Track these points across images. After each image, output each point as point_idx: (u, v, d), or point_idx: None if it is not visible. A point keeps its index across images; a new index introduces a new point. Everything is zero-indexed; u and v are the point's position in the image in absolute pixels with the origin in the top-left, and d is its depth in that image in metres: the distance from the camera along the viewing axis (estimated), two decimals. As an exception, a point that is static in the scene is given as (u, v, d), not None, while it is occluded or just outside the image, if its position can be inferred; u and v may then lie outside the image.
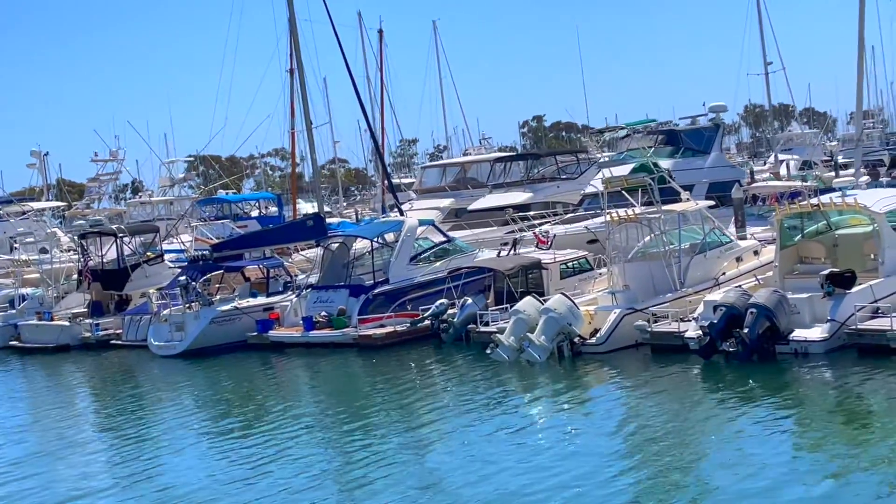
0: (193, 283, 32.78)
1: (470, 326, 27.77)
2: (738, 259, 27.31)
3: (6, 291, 41.54)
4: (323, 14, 38.03)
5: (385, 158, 68.70)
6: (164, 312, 32.70)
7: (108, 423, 24.77)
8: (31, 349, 36.43)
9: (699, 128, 44.63)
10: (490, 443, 18.34)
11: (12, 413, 27.32)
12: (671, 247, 26.18)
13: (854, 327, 21.14)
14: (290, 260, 39.10)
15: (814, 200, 24.20)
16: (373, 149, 72.44)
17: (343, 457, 18.86)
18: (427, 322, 29.16)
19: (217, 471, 18.57)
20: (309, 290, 32.25)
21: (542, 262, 30.06)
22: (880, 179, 32.41)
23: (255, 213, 61.18)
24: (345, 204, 75.57)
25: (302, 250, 40.83)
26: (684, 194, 28.09)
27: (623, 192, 27.62)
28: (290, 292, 33.37)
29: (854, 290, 21.79)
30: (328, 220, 39.12)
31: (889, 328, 20.62)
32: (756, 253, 28.02)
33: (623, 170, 28.80)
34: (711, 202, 29.83)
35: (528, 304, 25.34)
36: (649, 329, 23.91)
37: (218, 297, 33.66)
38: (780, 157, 63.16)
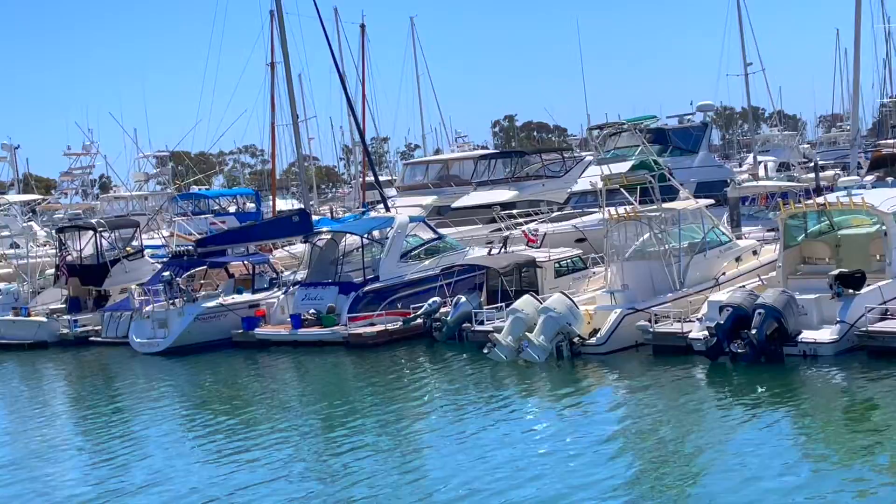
0: (177, 279, 31.99)
1: (465, 325, 27.16)
2: (738, 259, 26.92)
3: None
4: (299, 8, 37.46)
5: (362, 156, 68.32)
6: (147, 309, 31.87)
7: (89, 422, 23.80)
8: (7, 345, 35.39)
9: (687, 127, 44.27)
10: (486, 444, 17.81)
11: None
12: (671, 246, 25.67)
13: (864, 329, 20.69)
14: (271, 256, 38.35)
15: (819, 200, 23.76)
16: (343, 147, 72.13)
17: (331, 459, 18.16)
18: (419, 320, 28.53)
19: (199, 473, 17.92)
20: (296, 286, 31.51)
21: (537, 260, 29.48)
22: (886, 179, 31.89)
23: (232, 209, 60.42)
24: (318, 201, 74.47)
25: (283, 246, 40.12)
26: (683, 192, 27.63)
27: (622, 189, 27.10)
28: (276, 289, 32.63)
29: (863, 291, 21.35)
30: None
31: (900, 330, 20.20)
32: (755, 253, 27.63)
33: (622, 167, 28.24)
34: (711, 201, 29.39)
35: (526, 302, 24.78)
36: (651, 329, 23.39)
37: (201, 293, 32.86)
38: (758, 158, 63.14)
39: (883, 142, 62.75)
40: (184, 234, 41.63)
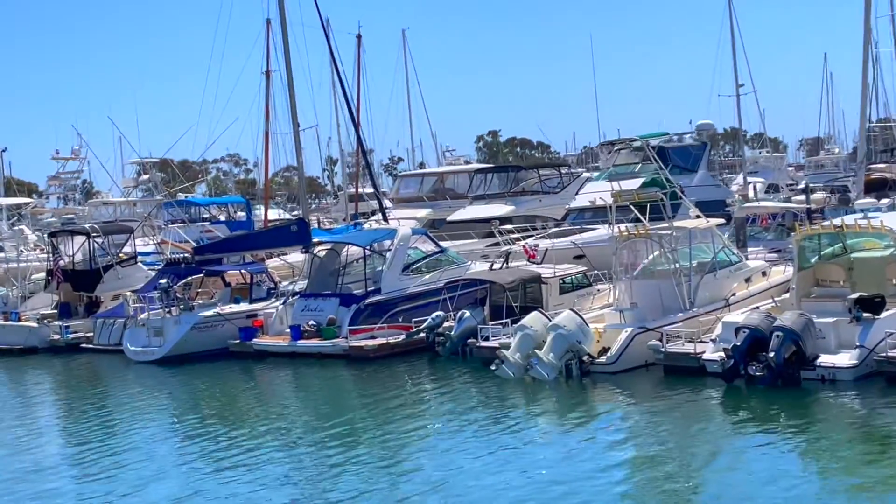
0: (173, 286, 31.42)
1: (470, 341, 26.71)
2: (748, 280, 26.59)
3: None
4: (291, 17, 37.04)
5: (344, 168, 67.90)
6: (142, 316, 31.29)
7: (82, 431, 22.97)
8: (-3, 350, 34.77)
9: (687, 145, 44.08)
10: (489, 466, 17.37)
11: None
12: (681, 265, 25.31)
13: (884, 355, 20.33)
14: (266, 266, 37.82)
15: (836, 221, 23.46)
16: (327, 158, 71.37)
17: (326, 475, 17.68)
18: (422, 335, 28.07)
19: (190, 486, 17.41)
20: (296, 297, 30.99)
21: (542, 276, 29.08)
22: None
23: (222, 217, 59.82)
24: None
25: (277, 255, 39.55)
26: (693, 210, 27.31)
27: (631, 206, 26.75)
28: (274, 299, 32.11)
29: (883, 315, 21.02)
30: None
31: (923, 356, 19.86)
32: (764, 274, 27.32)
33: (625, 184, 27.86)
34: (722, 220, 29.07)
35: (534, 319, 24.35)
36: (663, 349, 22.99)
37: (197, 301, 32.31)
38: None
39: (874, 166, 62.75)
40: (178, 241, 41.04)
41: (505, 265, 31.96)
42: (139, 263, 37.60)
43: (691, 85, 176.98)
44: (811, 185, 72.26)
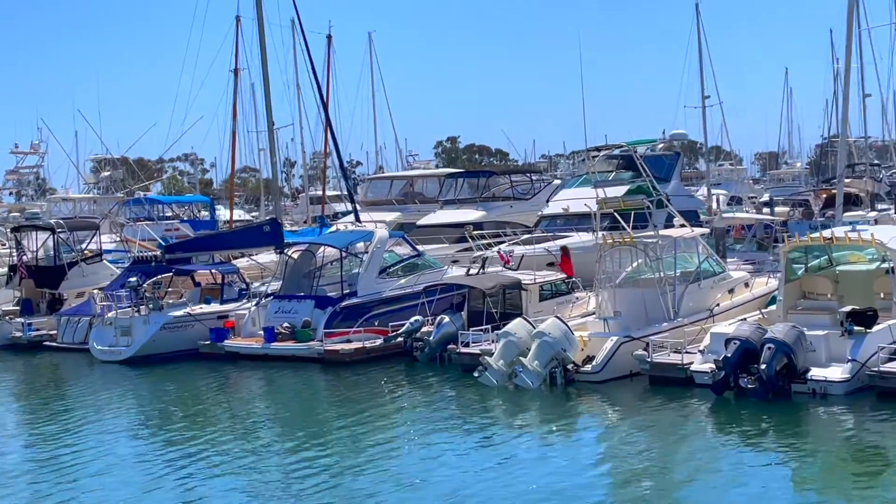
0: (142, 285, 30.65)
1: (449, 347, 26.22)
2: (731, 291, 26.33)
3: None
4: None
5: (305, 170, 66.99)
6: (110, 315, 30.48)
7: (44, 433, 22.21)
8: (-45, 347, 33.75)
9: (660, 155, 43.86)
10: (467, 476, 16.93)
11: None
12: (665, 274, 24.99)
13: (876, 369, 20.09)
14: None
15: (826, 233, 23.24)
16: (285, 160, 70.30)
17: (295, 482, 17.14)
18: (400, 339, 27.55)
19: (154, 490, 16.90)
20: (269, 299, 30.33)
21: (523, 282, 28.66)
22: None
23: (185, 216, 58.94)
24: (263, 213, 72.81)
25: (247, 256, 38.83)
26: (678, 219, 27.03)
27: (616, 214, 26.42)
28: (245, 300, 31.41)
29: (875, 329, 20.80)
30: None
31: (915, 372, 19.64)
32: (747, 285, 27.09)
33: (617, 191, 27.53)
34: (706, 230, 28.82)
35: (518, 326, 23.91)
36: (649, 359, 22.63)
37: (166, 301, 31.52)
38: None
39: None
40: (144, 239, 40.18)
41: (481, 271, 31.55)
42: (105, 261, 36.73)
43: (657, 96, 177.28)
44: (776, 198, 72.90)
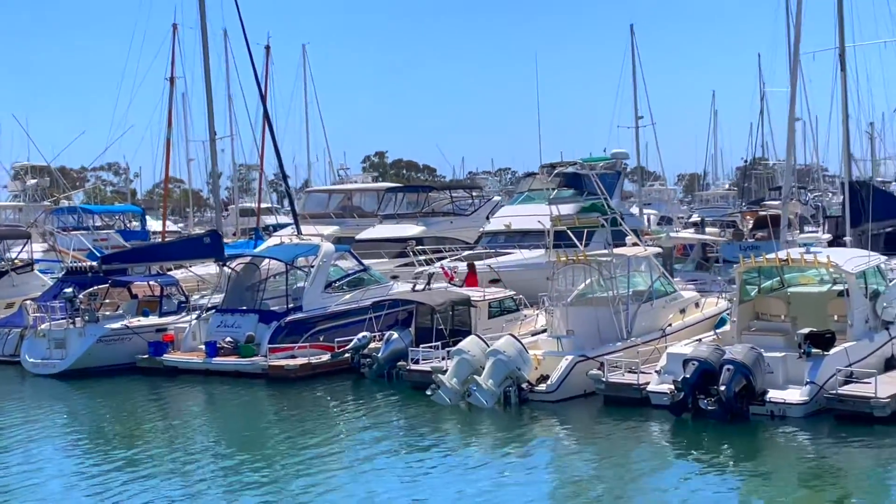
0: (78, 296, 29.66)
1: (399, 364, 25.71)
2: (682, 311, 26.23)
3: None
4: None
5: (236, 181, 66.03)
6: (43, 326, 29.44)
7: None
8: None
9: (602, 173, 43.72)
10: (417, 494, 16.70)
11: None
12: (619, 293, 24.78)
13: (834, 392, 20.04)
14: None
15: (782, 254, 23.21)
16: (210, 171, 68.94)
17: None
18: (347, 355, 26.97)
19: None
20: (211, 312, 29.53)
21: (472, 299, 28.27)
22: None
23: (115, 227, 57.52)
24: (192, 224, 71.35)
25: (184, 267, 37.86)
26: (630, 238, 26.89)
27: (569, 231, 26.19)
28: (185, 313, 30.56)
29: (832, 351, 20.78)
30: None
31: (873, 395, 19.60)
32: (697, 305, 27.02)
33: (569, 208, 27.31)
34: (659, 249, 28.72)
35: (472, 343, 23.47)
36: (604, 379, 22.37)
37: (101, 313, 30.51)
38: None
39: (768, 202, 64.06)
40: (77, 249, 38.97)
41: (427, 287, 31.11)
42: (36, 271, 35.59)
43: (591, 116, 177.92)
44: (703, 218, 73.63)
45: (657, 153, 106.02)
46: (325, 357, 27.27)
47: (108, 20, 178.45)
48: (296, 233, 35.53)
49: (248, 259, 31.63)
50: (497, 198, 51.48)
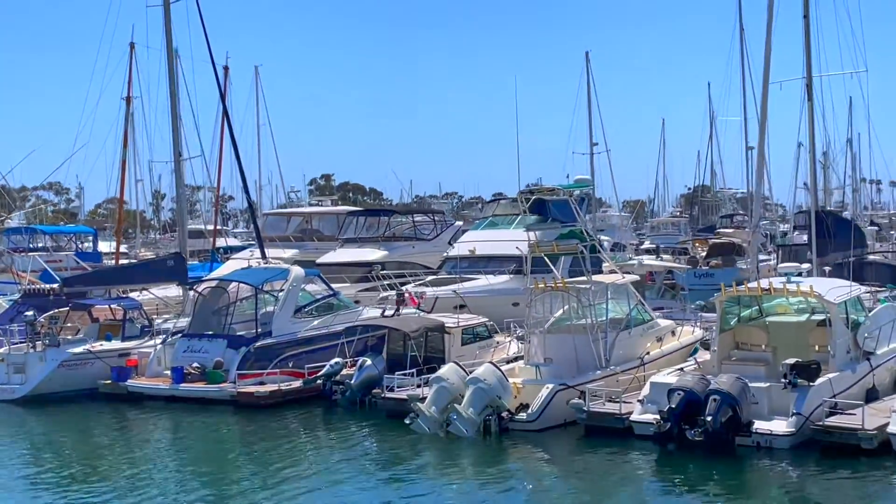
0: (38, 319, 28.81)
1: (374, 391, 25.20)
2: (659, 339, 26.05)
3: None
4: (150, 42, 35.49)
5: (184, 202, 64.90)
6: (1, 351, 28.56)
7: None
8: None
9: (565, 199, 43.64)
10: None
11: None
12: (597, 321, 24.53)
13: (820, 423, 19.87)
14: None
15: (764, 284, 23.11)
16: (154, 192, 67.91)
17: None
18: (318, 381, 26.40)
19: None
20: (177, 336, 28.80)
21: (446, 325, 27.84)
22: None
23: (69, 248, 56.26)
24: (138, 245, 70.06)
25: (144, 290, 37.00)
26: (607, 265, 26.67)
27: (546, 258, 25.92)
28: (149, 338, 29.79)
29: (818, 382, 20.64)
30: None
31: (860, 427, 19.46)
32: (673, 333, 26.86)
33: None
34: (636, 277, 28.53)
35: (451, 371, 23.05)
36: (586, 409, 22.05)
37: (62, 337, 29.64)
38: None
39: (722, 230, 64.56)
40: (31, 270, 37.98)
41: (397, 312, 30.69)
42: (-9, 293, 34.65)
43: (546, 143, 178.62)
44: (662, 244, 74.03)
45: (611, 180, 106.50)
46: (297, 383, 26.64)
47: (60, 38, 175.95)
48: (255, 256, 35.06)
49: (214, 283, 30.89)
50: (459, 223, 51.17)
